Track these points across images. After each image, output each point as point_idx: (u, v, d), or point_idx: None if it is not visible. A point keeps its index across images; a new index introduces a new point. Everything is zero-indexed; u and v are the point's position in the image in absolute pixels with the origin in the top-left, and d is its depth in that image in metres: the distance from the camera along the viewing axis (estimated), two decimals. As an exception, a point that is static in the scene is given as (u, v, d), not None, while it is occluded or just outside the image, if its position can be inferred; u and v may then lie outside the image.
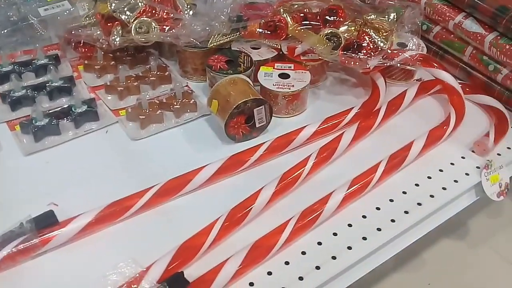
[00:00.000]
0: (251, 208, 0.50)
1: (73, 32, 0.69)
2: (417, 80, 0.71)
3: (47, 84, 0.65)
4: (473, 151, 0.60)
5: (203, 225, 0.48)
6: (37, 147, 0.58)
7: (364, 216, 0.52)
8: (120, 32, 0.67)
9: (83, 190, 0.54)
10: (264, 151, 0.58)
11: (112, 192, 0.51)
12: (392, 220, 0.51)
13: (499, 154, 0.60)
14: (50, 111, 0.61)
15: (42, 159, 0.57)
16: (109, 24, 0.68)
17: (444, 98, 0.67)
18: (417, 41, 0.70)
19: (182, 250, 0.45)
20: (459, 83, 0.66)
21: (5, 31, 0.70)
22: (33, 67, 0.68)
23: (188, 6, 0.69)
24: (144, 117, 0.61)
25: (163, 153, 0.59)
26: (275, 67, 0.66)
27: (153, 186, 0.52)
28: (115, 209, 0.50)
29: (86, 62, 0.70)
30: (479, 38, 0.65)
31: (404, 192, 0.55)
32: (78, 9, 0.73)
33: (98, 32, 0.69)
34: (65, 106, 0.62)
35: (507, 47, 0.62)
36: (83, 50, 0.71)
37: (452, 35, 0.70)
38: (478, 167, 0.58)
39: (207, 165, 0.55)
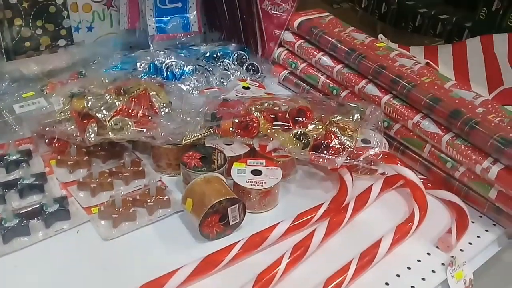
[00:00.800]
0: (226, 315, 0.50)
1: (47, 128, 0.70)
2: (381, 174, 0.75)
3: (18, 182, 0.64)
4: (437, 247, 0.63)
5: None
6: (6, 250, 0.57)
7: (338, 320, 0.52)
8: (95, 129, 0.69)
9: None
10: (239, 250, 0.58)
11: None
12: (366, 324, 0.52)
13: (461, 250, 0.63)
14: (20, 212, 0.60)
15: (11, 262, 0.56)
16: (84, 121, 0.69)
17: (408, 192, 0.70)
18: (379, 137, 0.74)
19: None
20: (420, 178, 0.70)
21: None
22: (4, 163, 0.68)
23: (164, 105, 0.71)
24: (116, 216, 0.61)
25: (136, 254, 0.59)
26: (248, 164, 0.68)
27: (126, 292, 0.51)
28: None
29: (59, 157, 0.70)
30: (436, 137, 0.70)
31: (375, 292, 0.56)
32: (54, 104, 0.75)
33: (73, 128, 0.70)
34: (36, 205, 0.61)
35: (462, 147, 0.67)
36: (57, 145, 0.72)
37: (411, 133, 0.75)
38: (443, 264, 0.60)
39: (180, 267, 0.55)
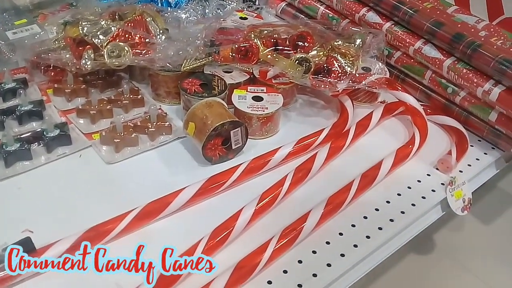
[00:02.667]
0: (233, 228, 0.51)
1: (42, 55, 0.68)
2: (381, 102, 0.75)
3: (16, 109, 0.63)
4: (437, 169, 0.64)
5: (185, 248, 0.48)
6: (8, 172, 0.57)
7: (341, 234, 0.54)
8: (91, 56, 0.67)
9: (58, 216, 0.53)
10: (242, 172, 0.59)
11: (89, 217, 0.51)
12: (367, 237, 0.54)
13: (461, 171, 0.64)
14: (21, 136, 0.59)
15: (14, 185, 0.56)
16: (80, 48, 0.67)
17: (408, 119, 0.71)
18: (380, 65, 0.74)
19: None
20: (421, 104, 0.70)
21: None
22: (1, 91, 0.66)
23: (161, 31, 0.69)
24: (119, 140, 0.61)
25: (139, 177, 0.59)
26: (249, 90, 0.68)
27: (132, 210, 0.52)
28: (93, 234, 0.49)
29: (56, 85, 0.69)
30: (438, 63, 0.70)
31: (377, 209, 0.57)
32: (47, 33, 0.72)
33: (68, 56, 0.68)
34: (37, 130, 0.60)
35: (464, 71, 0.67)
36: (52, 73, 0.70)
37: (412, 60, 0.74)
38: (443, 184, 0.62)
39: (186, 187, 0.55)
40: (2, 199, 0.54)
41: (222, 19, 0.83)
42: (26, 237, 0.47)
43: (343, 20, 0.85)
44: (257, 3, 0.94)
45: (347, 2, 0.82)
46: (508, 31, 0.72)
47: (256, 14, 0.89)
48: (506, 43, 0.66)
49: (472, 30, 0.69)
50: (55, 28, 0.73)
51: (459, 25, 0.69)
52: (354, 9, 0.81)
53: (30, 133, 0.60)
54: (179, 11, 0.83)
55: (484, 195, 0.73)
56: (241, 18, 0.87)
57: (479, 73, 0.66)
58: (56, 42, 0.70)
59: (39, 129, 0.60)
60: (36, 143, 0.60)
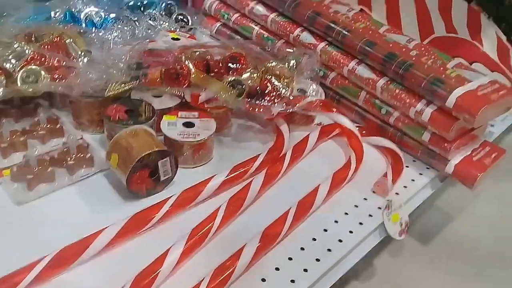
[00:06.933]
0: (158, 272, 0.46)
1: None
2: (317, 124, 0.74)
3: None
4: (374, 192, 0.63)
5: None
6: None
7: (277, 269, 0.51)
8: (3, 82, 0.61)
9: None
10: (170, 206, 0.55)
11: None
12: (305, 270, 0.51)
13: (397, 194, 0.63)
14: None
15: None
16: (-13, 74, 0.61)
17: (344, 141, 0.69)
18: (315, 87, 0.72)
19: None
20: (356, 126, 0.69)
21: None
22: None
23: (82, 53, 0.64)
24: (32, 176, 0.55)
25: (55, 217, 0.53)
26: (179, 116, 0.64)
27: (43, 257, 0.46)
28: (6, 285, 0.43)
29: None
30: (371, 83, 0.69)
31: (314, 239, 0.55)
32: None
33: (-25, 83, 0.62)
34: None
35: (397, 91, 0.67)
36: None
37: (347, 81, 0.74)
38: (379, 208, 0.60)
39: (107, 227, 0.50)
40: None
41: (151, 40, 0.79)
42: None
43: (278, 41, 0.83)
44: (190, 23, 0.91)
45: (281, 22, 0.81)
46: (438, 50, 0.73)
47: (189, 35, 0.86)
48: (436, 62, 0.67)
49: (404, 49, 0.69)
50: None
51: (390, 45, 0.70)
52: (288, 29, 0.80)
53: None
54: (104, 32, 0.79)
55: (421, 215, 0.73)
56: (173, 38, 0.83)
57: (411, 93, 0.66)
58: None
59: None
60: None
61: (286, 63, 0.67)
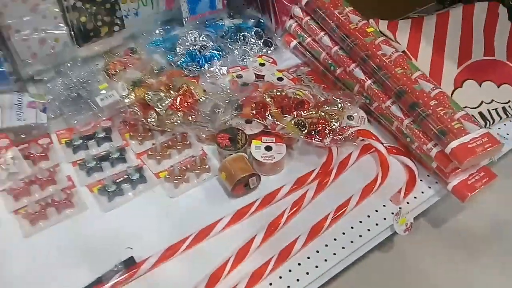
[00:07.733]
0: (249, 249, 0.84)
1: (121, 113, 0.99)
2: (361, 140, 1.03)
3: (109, 156, 0.96)
4: (390, 200, 0.93)
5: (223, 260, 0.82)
6: (112, 206, 0.90)
7: (317, 251, 0.86)
8: (155, 116, 0.97)
9: (146, 237, 0.87)
10: (258, 205, 0.91)
11: (166, 238, 0.84)
12: (334, 253, 0.85)
13: (408, 203, 0.93)
14: (117, 180, 0.92)
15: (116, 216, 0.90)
16: (146, 110, 0.98)
17: (376, 157, 0.99)
18: (361, 114, 1.01)
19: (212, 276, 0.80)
20: (391, 145, 0.98)
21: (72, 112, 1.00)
22: (95, 140, 0.99)
23: (202, 98, 0.98)
24: (177, 181, 0.93)
25: (192, 208, 0.92)
26: (262, 141, 0.97)
27: (192, 234, 0.85)
28: (172, 251, 0.83)
29: (131, 133, 1.01)
30: (400, 120, 0.96)
31: (344, 233, 0.88)
32: (119, 89, 1.03)
33: (139, 114, 0.99)
34: (125, 176, 0.93)
35: (416, 130, 0.93)
36: (129, 124, 1.01)
37: (385, 112, 1.01)
38: (393, 213, 0.91)
39: (222, 218, 0.87)
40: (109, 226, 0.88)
41: (243, 67, 1.10)
42: (130, 256, 0.81)
43: (338, 68, 1.10)
44: (273, 45, 1.19)
45: (341, 56, 1.07)
46: (469, 79, 0.96)
47: (272, 60, 1.15)
48: (448, 113, 0.91)
49: (426, 98, 0.93)
50: (125, 84, 1.03)
51: (417, 93, 0.94)
52: (346, 63, 1.06)
53: (122, 178, 0.92)
54: (211, 64, 1.11)
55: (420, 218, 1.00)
56: (260, 64, 1.13)
57: (425, 134, 0.92)
58: (128, 100, 1.00)
59: (126, 174, 0.93)
60: (125, 183, 0.92)
61: (336, 106, 0.96)
